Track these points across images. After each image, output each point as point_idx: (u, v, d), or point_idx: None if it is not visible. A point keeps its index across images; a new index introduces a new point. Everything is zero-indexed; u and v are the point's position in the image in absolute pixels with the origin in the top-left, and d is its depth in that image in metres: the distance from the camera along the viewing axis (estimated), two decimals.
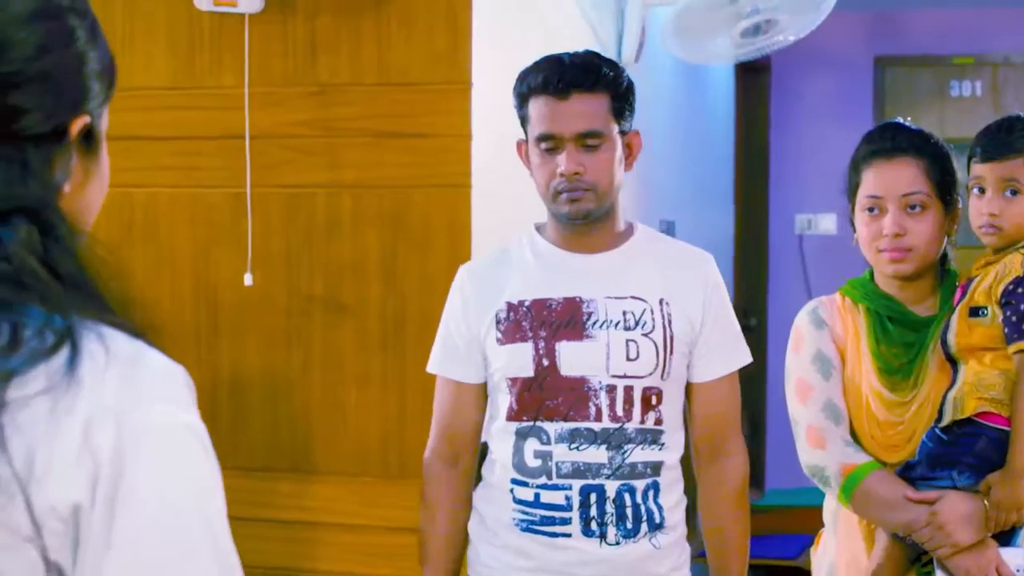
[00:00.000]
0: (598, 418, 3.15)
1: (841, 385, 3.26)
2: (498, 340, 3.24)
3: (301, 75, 4.23)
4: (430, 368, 3.40)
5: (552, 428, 3.16)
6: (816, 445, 3.23)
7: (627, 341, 3.16)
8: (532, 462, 3.19)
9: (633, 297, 3.21)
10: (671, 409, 3.22)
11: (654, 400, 3.18)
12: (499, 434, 3.26)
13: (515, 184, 4.33)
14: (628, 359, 3.16)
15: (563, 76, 3.16)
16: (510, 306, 3.24)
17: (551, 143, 3.18)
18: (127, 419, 1.32)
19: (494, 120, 4.19)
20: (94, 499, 1.30)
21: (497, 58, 4.24)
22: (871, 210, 3.23)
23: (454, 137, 4.08)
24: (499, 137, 4.22)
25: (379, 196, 4.16)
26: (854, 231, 3.32)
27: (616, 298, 3.20)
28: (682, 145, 7.19)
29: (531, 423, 3.19)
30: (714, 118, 8.18)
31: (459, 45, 4.08)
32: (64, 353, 1.32)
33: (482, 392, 3.33)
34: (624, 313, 3.18)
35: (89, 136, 1.49)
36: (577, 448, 3.15)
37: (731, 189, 8.58)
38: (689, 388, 3.30)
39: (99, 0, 4.41)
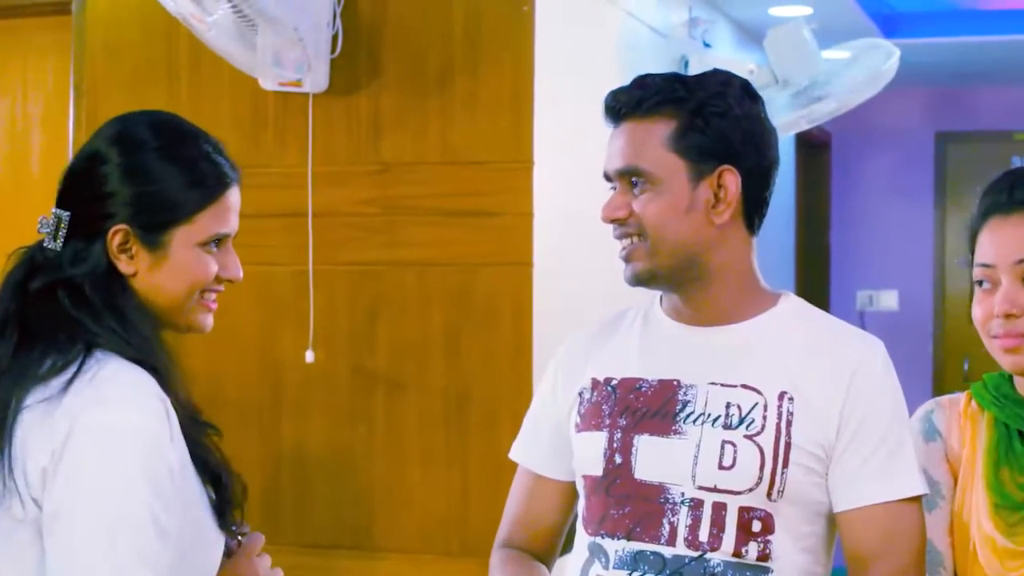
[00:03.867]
0: (671, 541, 2.35)
1: (948, 521, 2.47)
2: (576, 426, 2.51)
3: (365, 154, 4.26)
4: (511, 453, 2.70)
5: (612, 548, 2.40)
6: None
7: (723, 443, 2.36)
8: None
9: (744, 387, 2.39)
10: (791, 543, 2.38)
11: (757, 527, 2.35)
12: (576, 547, 2.52)
13: (578, 263, 4.34)
14: (721, 467, 2.35)
15: (617, 96, 2.47)
16: (595, 383, 2.51)
17: (610, 182, 2.49)
18: (79, 417, 2.01)
19: (556, 199, 4.21)
20: (51, 463, 2.01)
21: (559, 137, 4.26)
22: (981, 283, 2.44)
23: (517, 215, 4.09)
24: (561, 215, 4.23)
25: (442, 274, 4.17)
26: None
27: (722, 385, 2.40)
28: None
29: (593, 538, 2.44)
30: (775, 194, 8.16)
31: (522, 124, 4.10)
32: (70, 374, 2.04)
33: (570, 493, 2.60)
34: (728, 406, 2.39)
35: (148, 234, 2.17)
36: None
37: (792, 266, 8.55)
38: (837, 520, 2.43)
39: (166, 79, 4.50)
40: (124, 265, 2.17)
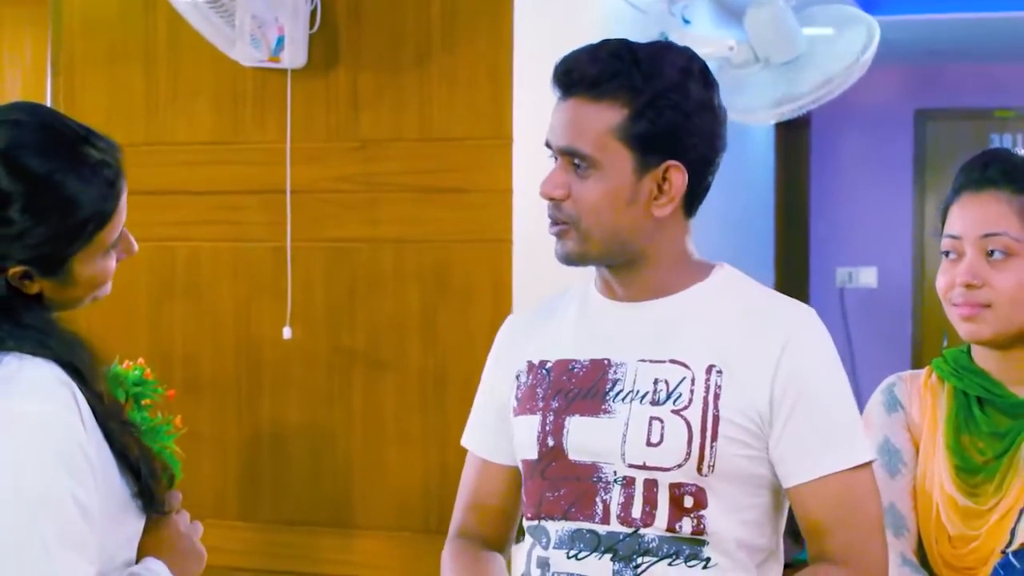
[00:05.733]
0: (604, 519, 2.34)
1: (911, 486, 2.57)
2: (514, 410, 2.50)
3: (343, 130, 4.25)
4: (462, 439, 2.69)
5: (552, 528, 2.39)
6: None
7: (651, 419, 2.32)
8: (534, 572, 2.43)
9: (672, 361, 2.35)
10: (728, 516, 2.34)
11: (689, 502, 2.32)
12: (525, 532, 2.51)
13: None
14: (649, 443, 2.32)
15: (569, 68, 2.36)
16: (530, 367, 2.48)
17: (550, 150, 2.42)
18: None
19: (535, 175, 4.18)
20: None
21: (538, 113, 4.24)
22: (947, 254, 2.54)
23: (495, 192, 4.09)
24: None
25: (420, 251, 4.17)
26: None
27: (651, 362, 2.36)
28: (722, 200, 7.16)
29: (534, 521, 2.43)
30: (754, 173, 8.17)
31: (501, 100, 4.10)
32: None
33: (518, 477, 2.55)
34: (655, 382, 2.34)
35: (51, 271, 2.13)
36: (576, 556, 2.36)
37: (772, 243, 8.56)
38: (788, 495, 2.39)
39: (144, 55, 4.48)
40: (27, 289, 2.15)
